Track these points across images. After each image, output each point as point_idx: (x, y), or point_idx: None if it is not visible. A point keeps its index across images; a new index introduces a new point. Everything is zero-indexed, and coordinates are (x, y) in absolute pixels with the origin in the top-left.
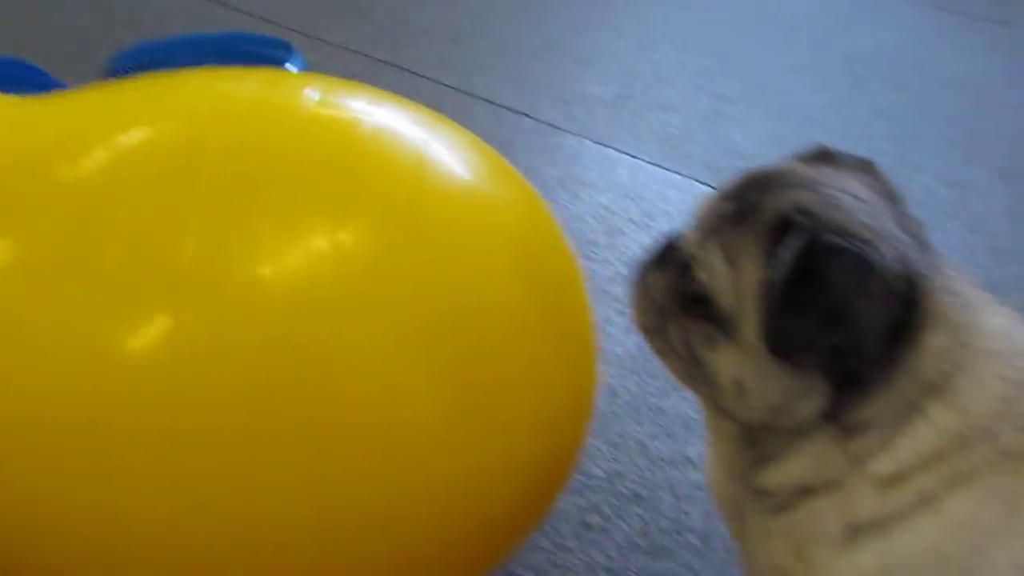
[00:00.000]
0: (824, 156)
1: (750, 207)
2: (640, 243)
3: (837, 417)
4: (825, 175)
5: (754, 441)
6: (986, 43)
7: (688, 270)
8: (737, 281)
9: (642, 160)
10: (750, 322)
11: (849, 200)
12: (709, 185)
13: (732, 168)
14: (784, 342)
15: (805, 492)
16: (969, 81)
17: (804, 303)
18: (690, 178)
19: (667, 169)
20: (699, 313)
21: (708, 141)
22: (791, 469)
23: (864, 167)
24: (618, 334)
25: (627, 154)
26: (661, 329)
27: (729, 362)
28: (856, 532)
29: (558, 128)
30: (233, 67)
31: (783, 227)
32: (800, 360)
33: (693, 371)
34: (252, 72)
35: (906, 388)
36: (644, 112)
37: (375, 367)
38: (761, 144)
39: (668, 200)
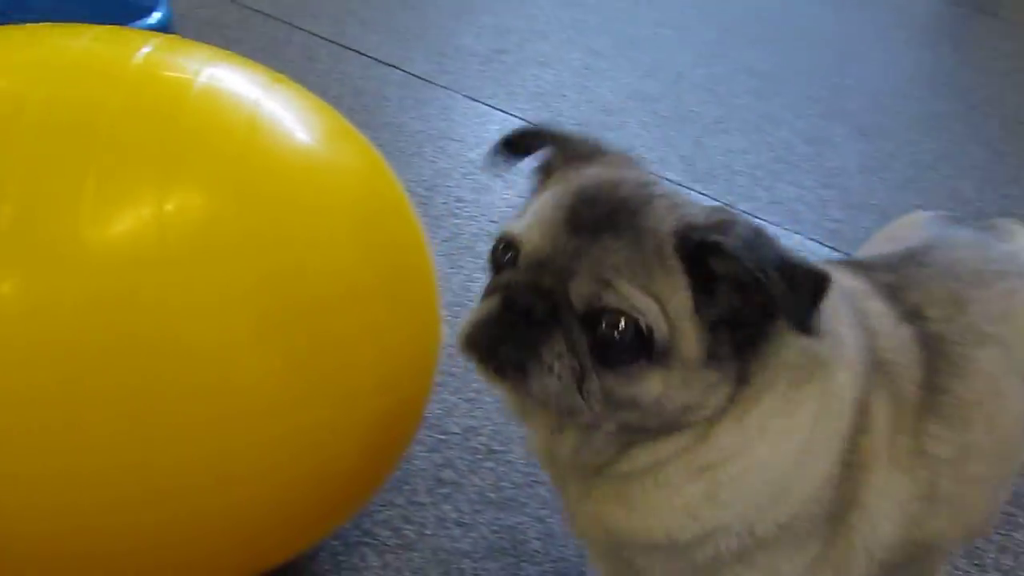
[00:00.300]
0: (579, 148)
1: (636, 237)
2: (506, 200)
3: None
4: (627, 173)
5: (633, 440)
6: (852, 1)
7: (594, 322)
8: (665, 311)
9: (513, 115)
10: (688, 339)
11: (666, 191)
12: None
13: (600, 123)
14: (814, 319)
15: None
16: (833, 38)
17: (799, 288)
18: None
19: None
20: (624, 356)
21: (577, 97)
22: (662, 448)
23: (598, 145)
24: (481, 291)
25: (498, 109)
26: (575, 391)
27: (657, 386)
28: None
29: (430, 82)
30: (82, 20)
31: (692, 248)
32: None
33: (607, 413)
34: (90, 28)
35: None
36: (518, 67)
37: (202, 325)
38: (629, 99)
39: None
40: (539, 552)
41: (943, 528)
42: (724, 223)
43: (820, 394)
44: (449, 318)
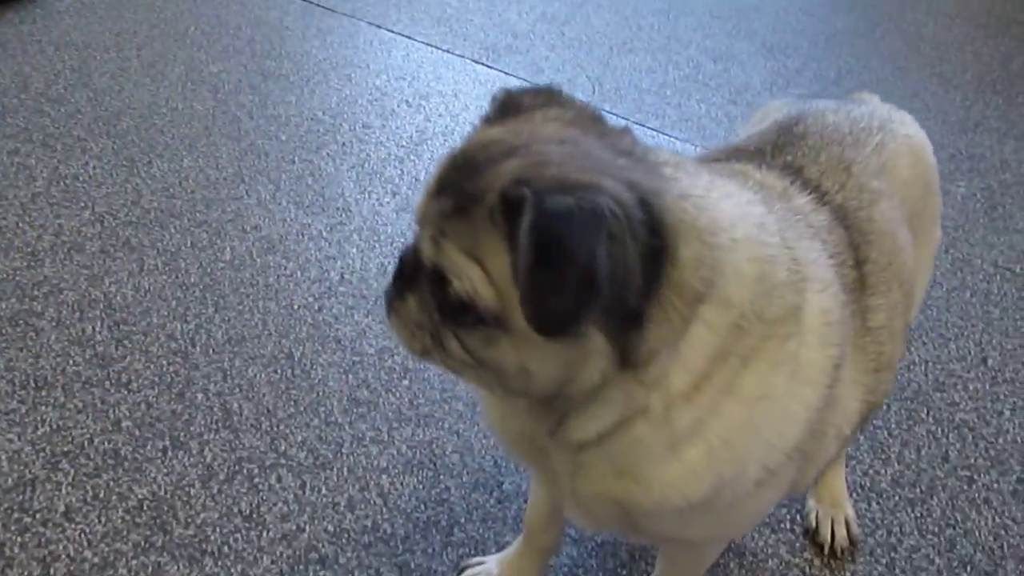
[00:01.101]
0: (509, 105)
1: (467, 197)
2: (414, 124)
3: (627, 360)
4: (520, 131)
5: (552, 407)
6: None
7: (441, 281)
8: (489, 275)
9: (417, 41)
10: (517, 310)
11: (555, 150)
12: (484, 64)
13: (507, 47)
14: (553, 322)
15: (617, 426)
16: None
17: (558, 277)
18: (464, 58)
19: (442, 49)
20: (468, 319)
21: (484, 20)
22: (596, 418)
23: (549, 99)
24: (390, 215)
25: (402, 35)
26: (436, 347)
27: (511, 353)
28: (678, 442)
29: (332, 10)
30: None
31: (510, 206)
32: (575, 331)
33: (479, 371)
34: None
35: (677, 305)
36: None
37: None
38: (535, 22)
39: (442, 80)
40: (457, 465)
41: (888, 389)
42: (574, 185)
43: (800, 336)
44: (359, 243)
